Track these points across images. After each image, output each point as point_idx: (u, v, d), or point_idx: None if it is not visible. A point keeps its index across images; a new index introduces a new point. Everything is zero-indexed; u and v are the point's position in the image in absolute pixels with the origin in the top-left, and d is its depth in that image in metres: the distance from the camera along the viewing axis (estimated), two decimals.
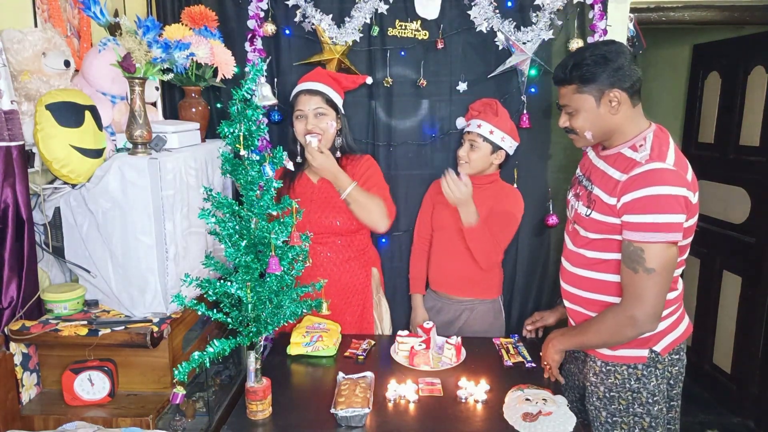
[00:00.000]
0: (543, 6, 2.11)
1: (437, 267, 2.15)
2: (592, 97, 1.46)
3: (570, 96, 1.49)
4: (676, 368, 1.55)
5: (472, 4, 2.12)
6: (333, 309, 2.02)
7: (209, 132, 2.07)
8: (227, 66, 1.94)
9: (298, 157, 2.03)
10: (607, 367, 1.55)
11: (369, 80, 2.19)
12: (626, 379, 1.52)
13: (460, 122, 2.18)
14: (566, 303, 1.69)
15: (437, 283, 2.17)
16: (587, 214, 1.51)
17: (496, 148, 2.01)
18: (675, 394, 1.59)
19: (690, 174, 1.42)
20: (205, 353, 1.32)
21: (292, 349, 1.82)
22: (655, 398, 1.52)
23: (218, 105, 2.24)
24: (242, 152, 1.35)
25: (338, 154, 2.02)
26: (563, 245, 1.71)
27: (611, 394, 1.55)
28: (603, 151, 1.56)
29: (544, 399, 1.50)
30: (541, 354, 1.70)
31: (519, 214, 2.07)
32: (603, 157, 1.55)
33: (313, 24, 2.14)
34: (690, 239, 1.48)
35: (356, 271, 2.06)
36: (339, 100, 2.02)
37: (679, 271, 1.52)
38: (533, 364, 1.75)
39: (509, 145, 2.02)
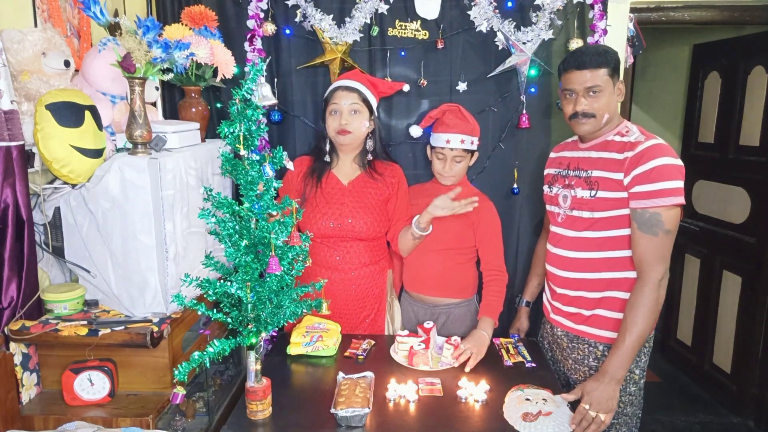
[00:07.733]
0: (543, 6, 2.11)
1: (411, 269, 2.10)
2: (612, 81, 1.63)
3: (602, 77, 1.62)
4: (650, 343, 1.71)
5: (472, 4, 2.12)
6: (348, 312, 2.02)
7: (209, 132, 2.07)
8: (227, 66, 1.94)
9: (327, 156, 2.01)
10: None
11: (406, 88, 2.17)
12: None
13: (416, 131, 2.17)
14: (562, 291, 1.75)
15: (411, 284, 2.12)
16: (592, 195, 1.63)
17: (473, 152, 2.03)
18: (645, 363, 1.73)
19: None
20: (205, 353, 1.32)
21: (292, 349, 1.82)
22: (643, 372, 1.69)
23: (218, 105, 2.24)
24: (242, 152, 1.35)
25: (369, 157, 2.02)
26: (552, 238, 1.79)
27: None
28: (584, 143, 1.73)
29: (544, 399, 1.50)
30: (593, 414, 1.51)
31: (497, 215, 2.07)
32: (587, 148, 1.71)
33: (312, 24, 2.14)
34: None
35: (376, 275, 2.05)
36: (374, 102, 2.01)
37: None
38: (533, 364, 1.75)
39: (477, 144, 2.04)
